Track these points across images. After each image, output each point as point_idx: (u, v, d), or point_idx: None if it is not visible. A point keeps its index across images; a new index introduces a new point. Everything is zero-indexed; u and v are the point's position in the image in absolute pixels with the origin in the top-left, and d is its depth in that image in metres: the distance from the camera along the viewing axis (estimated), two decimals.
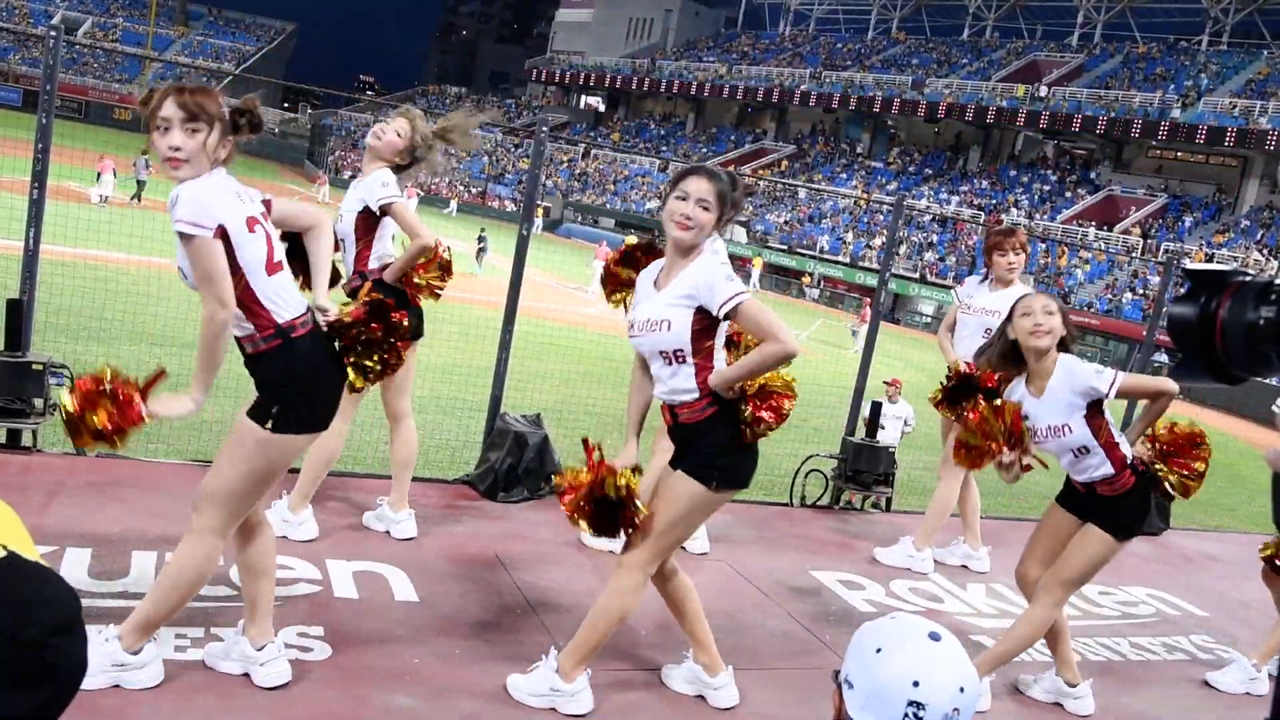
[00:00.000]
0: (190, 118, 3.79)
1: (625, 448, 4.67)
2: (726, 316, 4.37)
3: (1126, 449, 5.33)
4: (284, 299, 4.01)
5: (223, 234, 3.80)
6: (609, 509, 4.43)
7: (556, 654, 4.71)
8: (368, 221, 5.85)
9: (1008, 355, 5.40)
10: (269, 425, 3.99)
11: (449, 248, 6.02)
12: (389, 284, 5.78)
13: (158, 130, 3.80)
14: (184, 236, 3.75)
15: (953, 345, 7.53)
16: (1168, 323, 2.12)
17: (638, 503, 4.44)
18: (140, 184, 31.25)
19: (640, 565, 4.57)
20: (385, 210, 5.79)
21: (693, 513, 4.59)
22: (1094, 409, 5.24)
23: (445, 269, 5.98)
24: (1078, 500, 5.47)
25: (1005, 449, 5.15)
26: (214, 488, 4.07)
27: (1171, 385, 5.26)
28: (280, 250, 4.06)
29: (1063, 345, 5.28)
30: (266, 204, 4.10)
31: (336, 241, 5.70)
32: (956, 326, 7.61)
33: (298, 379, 4.06)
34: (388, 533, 6.33)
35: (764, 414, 4.47)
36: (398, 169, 5.94)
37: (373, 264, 5.88)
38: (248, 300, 3.91)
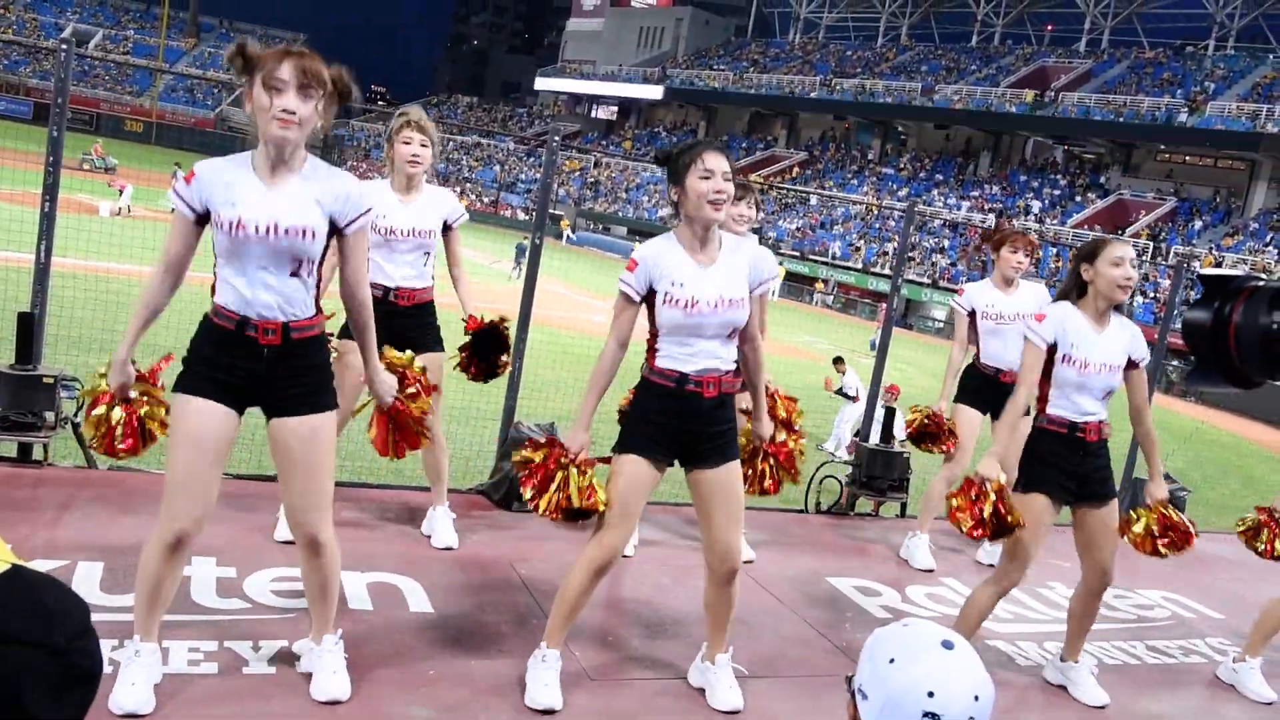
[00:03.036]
0: (305, 85, 3.81)
1: (581, 434, 4.68)
2: (755, 294, 4.67)
3: None
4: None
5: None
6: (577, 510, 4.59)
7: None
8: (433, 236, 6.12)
9: (1071, 294, 5.53)
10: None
11: None
12: None
13: (271, 89, 3.77)
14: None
15: (982, 354, 7.65)
16: (1182, 328, 2.12)
17: (599, 494, 4.57)
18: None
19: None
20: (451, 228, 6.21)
21: None
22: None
23: None
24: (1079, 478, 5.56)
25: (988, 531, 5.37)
26: (327, 490, 4.19)
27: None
28: None
29: None
30: None
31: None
32: (983, 337, 7.65)
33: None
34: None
35: None
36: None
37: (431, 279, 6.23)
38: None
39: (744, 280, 4.56)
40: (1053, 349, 5.40)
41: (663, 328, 4.53)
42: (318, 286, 4.08)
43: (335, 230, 4.04)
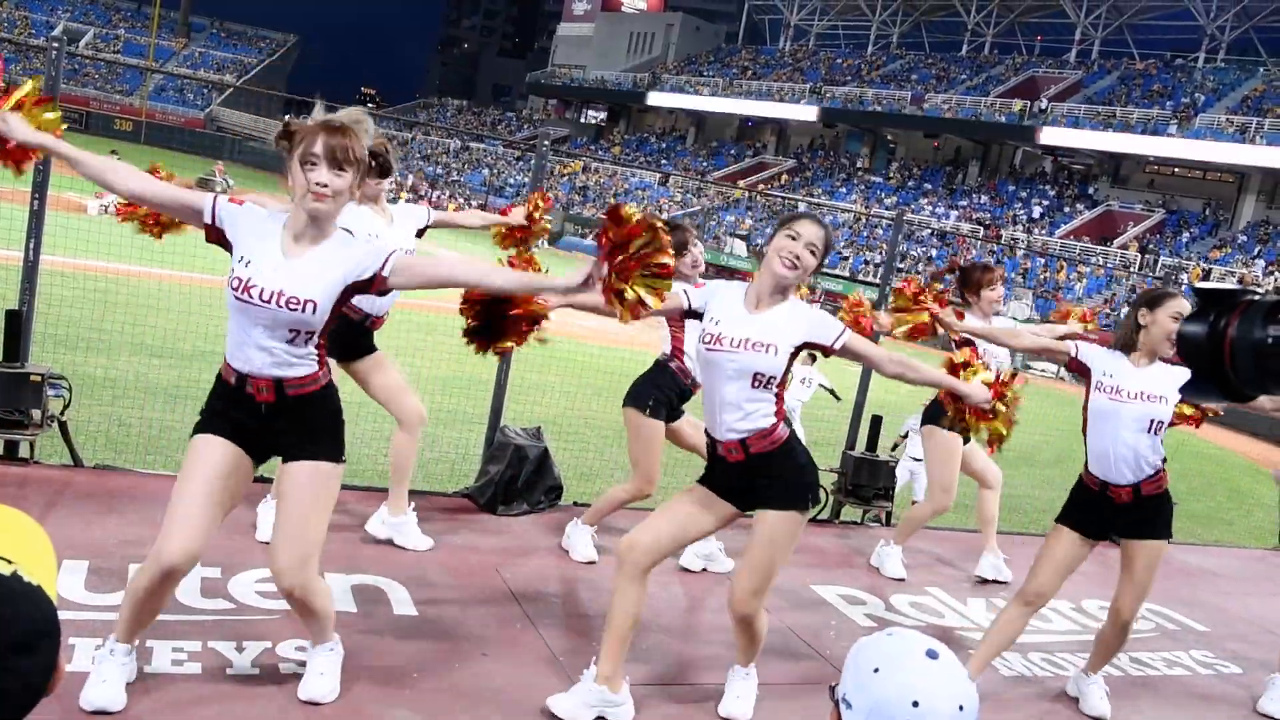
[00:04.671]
0: (338, 162, 3.87)
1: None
2: (838, 349, 4.64)
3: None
4: None
5: None
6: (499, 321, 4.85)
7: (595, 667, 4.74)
8: None
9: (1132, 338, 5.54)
10: (343, 458, 4.28)
11: None
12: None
13: (306, 165, 3.86)
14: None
15: None
16: (1177, 341, 2.13)
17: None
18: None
19: (761, 604, 4.81)
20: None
21: (794, 540, 4.73)
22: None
23: None
24: (1109, 518, 5.57)
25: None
26: (309, 540, 4.17)
27: None
28: None
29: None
30: None
31: None
32: None
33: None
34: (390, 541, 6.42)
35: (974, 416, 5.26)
36: None
37: None
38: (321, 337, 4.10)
39: (786, 332, 4.58)
40: (1088, 378, 5.53)
41: (691, 362, 4.67)
42: (320, 349, 4.10)
43: (374, 285, 4.03)
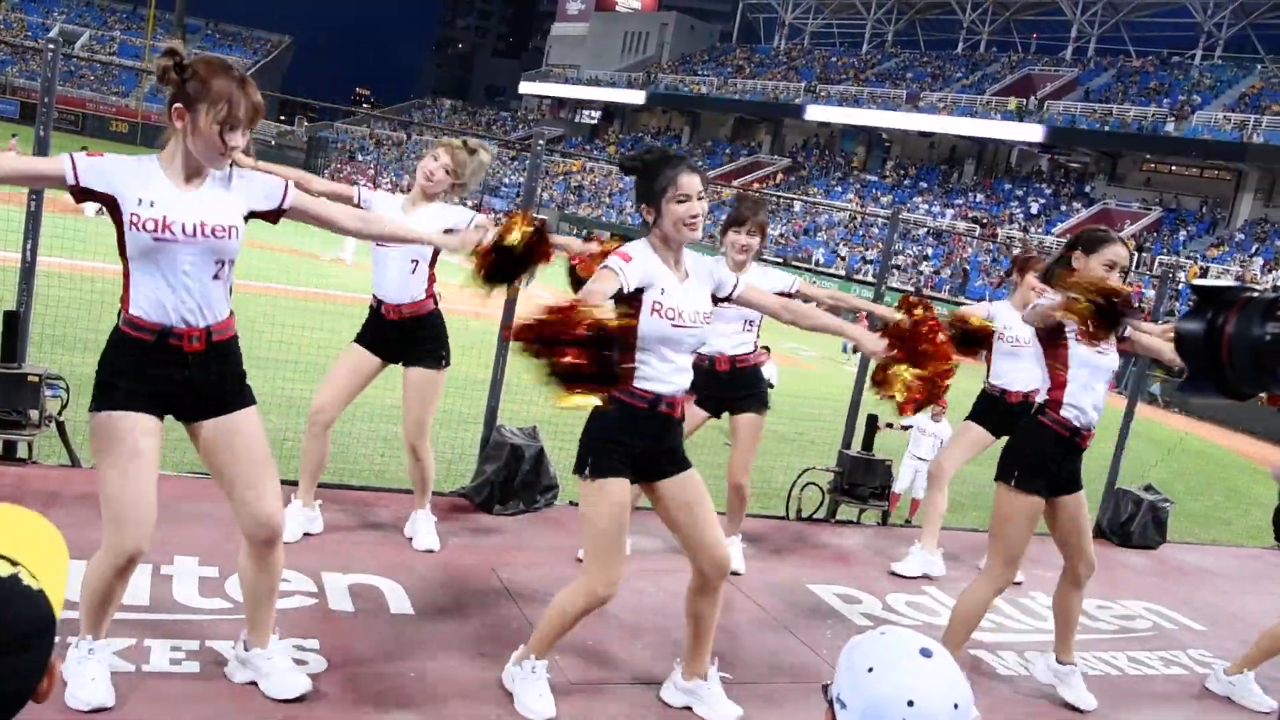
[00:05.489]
0: (254, 123, 3.87)
1: None
2: (734, 298, 4.69)
3: None
4: None
5: None
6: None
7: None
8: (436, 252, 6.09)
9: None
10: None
11: None
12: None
13: (226, 126, 3.78)
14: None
15: (992, 374, 7.77)
16: (1175, 338, 2.13)
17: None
18: None
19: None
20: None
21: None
22: None
23: None
24: (1064, 476, 5.59)
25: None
26: (277, 477, 4.26)
27: None
28: None
29: None
30: None
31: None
32: (997, 358, 7.71)
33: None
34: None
35: None
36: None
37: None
38: None
39: (709, 292, 4.58)
40: (1060, 329, 5.37)
41: (643, 340, 4.40)
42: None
43: (275, 214, 4.08)
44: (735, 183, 69.72)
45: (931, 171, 67.97)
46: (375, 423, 8.27)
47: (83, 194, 3.85)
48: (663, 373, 4.45)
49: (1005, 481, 5.49)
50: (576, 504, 7.72)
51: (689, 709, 4.94)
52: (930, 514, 7.99)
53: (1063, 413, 5.45)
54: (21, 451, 6.73)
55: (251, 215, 4.04)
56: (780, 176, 72.64)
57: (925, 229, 57.39)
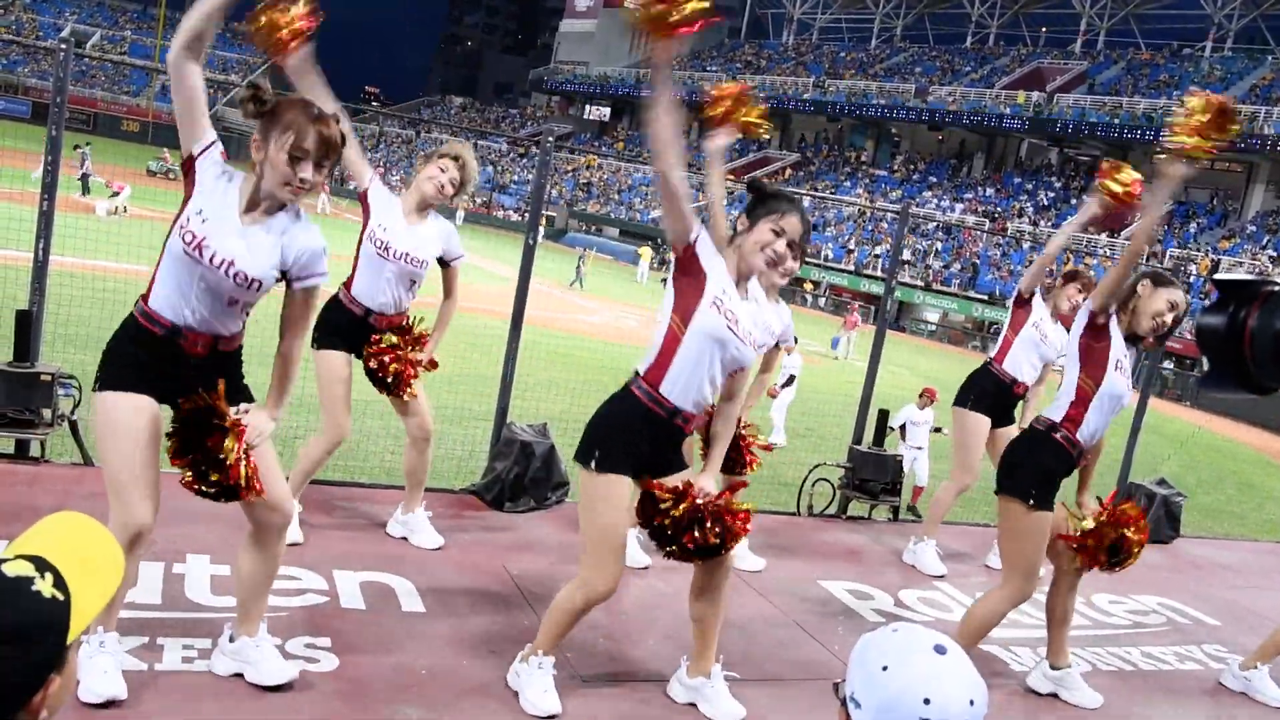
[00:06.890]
0: (326, 159, 3.89)
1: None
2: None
3: None
4: None
5: None
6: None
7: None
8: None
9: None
10: None
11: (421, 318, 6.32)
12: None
13: (295, 158, 3.82)
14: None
15: (1007, 361, 7.68)
16: (1196, 332, 2.12)
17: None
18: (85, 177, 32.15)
19: None
20: (451, 263, 6.22)
21: None
22: None
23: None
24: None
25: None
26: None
27: None
28: None
29: None
30: None
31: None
32: (1018, 343, 7.60)
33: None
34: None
35: None
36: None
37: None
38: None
39: (766, 326, 4.58)
40: (1105, 353, 5.31)
41: (691, 337, 4.35)
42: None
43: (285, 278, 4.05)
44: (744, 178, 69.68)
45: (941, 165, 67.85)
46: (384, 419, 8.26)
47: (192, 167, 3.92)
48: (691, 387, 4.40)
49: (1022, 500, 5.38)
50: None
51: (694, 705, 4.94)
52: (937, 511, 7.97)
53: (1078, 434, 5.37)
54: (34, 450, 6.74)
55: (283, 274, 4.02)
56: (789, 171, 72.55)
57: (935, 223, 57.29)
